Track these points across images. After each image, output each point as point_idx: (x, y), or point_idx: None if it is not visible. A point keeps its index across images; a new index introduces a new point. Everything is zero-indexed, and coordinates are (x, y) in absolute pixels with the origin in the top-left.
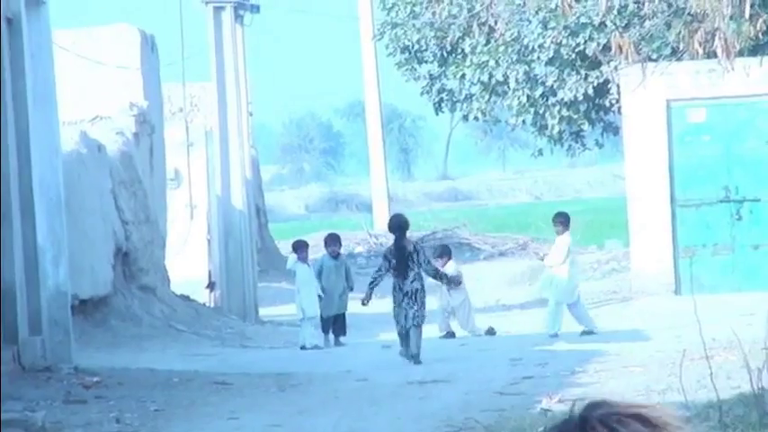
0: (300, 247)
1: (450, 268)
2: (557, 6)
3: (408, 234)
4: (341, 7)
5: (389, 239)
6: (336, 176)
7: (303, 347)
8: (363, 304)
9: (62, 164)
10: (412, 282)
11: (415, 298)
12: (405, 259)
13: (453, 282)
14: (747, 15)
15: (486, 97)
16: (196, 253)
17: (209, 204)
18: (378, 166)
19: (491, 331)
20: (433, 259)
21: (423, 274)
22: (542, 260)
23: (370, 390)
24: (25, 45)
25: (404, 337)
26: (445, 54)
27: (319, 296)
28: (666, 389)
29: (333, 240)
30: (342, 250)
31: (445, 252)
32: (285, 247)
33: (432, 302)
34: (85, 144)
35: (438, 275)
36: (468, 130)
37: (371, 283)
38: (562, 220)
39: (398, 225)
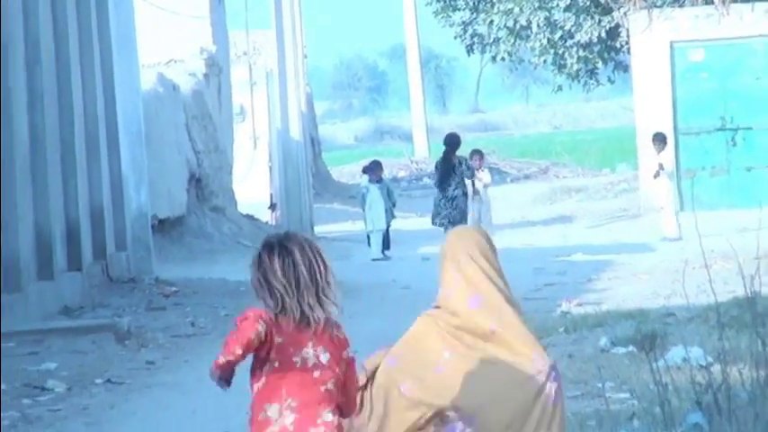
0: (371, 169)
1: (485, 176)
2: None
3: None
4: None
5: (428, 165)
6: (381, 111)
7: (375, 259)
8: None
9: (142, 102)
10: (454, 189)
11: (454, 203)
12: (451, 170)
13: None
14: None
15: (512, 40)
16: (259, 178)
17: (270, 136)
18: (417, 101)
19: None
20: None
21: (464, 182)
22: (655, 177)
23: (413, 296)
24: None
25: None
26: (476, 3)
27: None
28: (671, 294)
29: (376, 166)
30: (385, 174)
31: (476, 152)
32: (336, 172)
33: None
34: (162, 84)
35: (472, 175)
36: (496, 69)
37: (439, 187)
38: (661, 138)
39: (451, 141)
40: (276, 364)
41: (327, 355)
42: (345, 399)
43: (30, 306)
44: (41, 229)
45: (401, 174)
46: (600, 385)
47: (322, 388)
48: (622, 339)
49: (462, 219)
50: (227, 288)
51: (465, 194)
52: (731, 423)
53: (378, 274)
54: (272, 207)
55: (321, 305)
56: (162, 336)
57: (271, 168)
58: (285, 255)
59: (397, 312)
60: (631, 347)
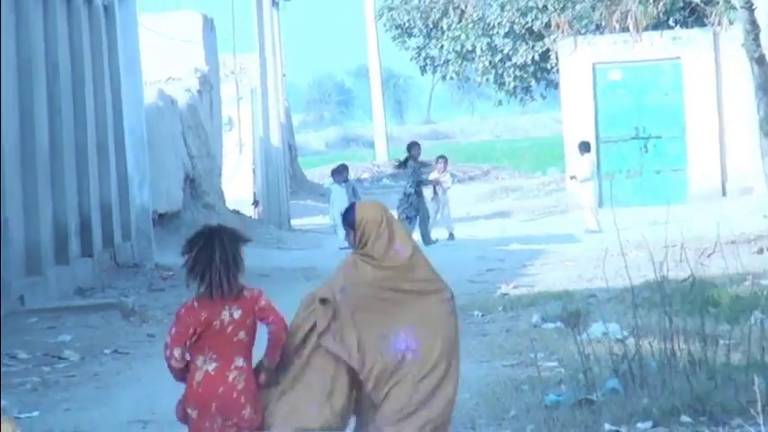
0: (338, 172)
1: (446, 177)
2: None
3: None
4: None
5: (388, 168)
6: (348, 121)
7: (342, 248)
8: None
9: (145, 113)
10: (409, 187)
11: (408, 198)
12: (408, 170)
13: (426, 184)
14: (651, 0)
15: (459, 62)
16: (244, 179)
17: (254, 143)
18: (378, 114)
19: (451, 237)
20: (434, 162)
21: (416, 182)
22: (573, 178)
23: None
24: (117, 25)
25: None
26: (428, 30)
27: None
28: (593, 277)
29: (342, 169)
30: (351, 176)
31: (441, 157)
32: (309, 174)
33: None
34: (162, 98)
35: (422, 182)
36: (446, 87)
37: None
38: (583, 147)
39: (409, 147)
40: (200, 330)
41: (239, 311)
42: (272, 338)
43: (48, 287)
44: (59, 221)
45: (364, 175)
46: (532, 355)
47: (234, 339)
48: (552, 316)
49: (414, 211)
50: None
51: (417, 192)
52: (643, 388)
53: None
54: (255, 203)
55: (234, 279)
56: (161, 313)
57: (254, 170)
58: (205, 245)
59: None
60: (559, 323)
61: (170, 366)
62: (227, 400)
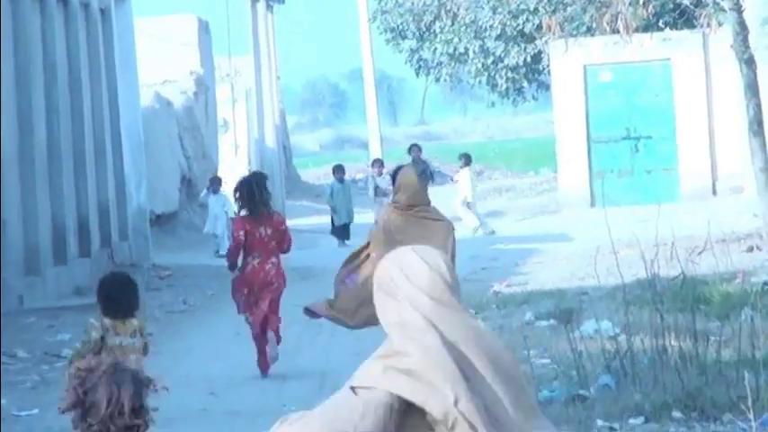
0: (213, 182)
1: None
2: None
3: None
4: None
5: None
6: (342, 123)
7: (218, 254)
8: None
9: (141, 115)
10: None
11: None
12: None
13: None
14: (641, 2)
15: (452, 64)
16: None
17: (249, 144)
18: (372, 115)
19: None
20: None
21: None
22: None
23: None
24: (114, 29)
25: None
26: (421, 33)
27: (333, 209)
28: (585, 276)
29: (339, 169)
30: (346, 176)
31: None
32: (304, 175)
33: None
34: (158, 101)
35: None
36: (439, 89)
37: None
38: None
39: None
40: (248, 238)
41: (270, 230)
42: (283, 247)
43: (47, 287)
44: (57, 222)
45: (359, 176)
46: (526, 352)
47: (269, 246)
48: (544, 314)
49: None
50: (212, 272)
51: None
52: (635, 384)
53: (339, 260)
54: None
55: (266, 208)
56: (158, 311)
57: (249, 171)
58: (246, 187)
59: None
60: (552, 321)
61: (234, 244)
62: (264, 280)
